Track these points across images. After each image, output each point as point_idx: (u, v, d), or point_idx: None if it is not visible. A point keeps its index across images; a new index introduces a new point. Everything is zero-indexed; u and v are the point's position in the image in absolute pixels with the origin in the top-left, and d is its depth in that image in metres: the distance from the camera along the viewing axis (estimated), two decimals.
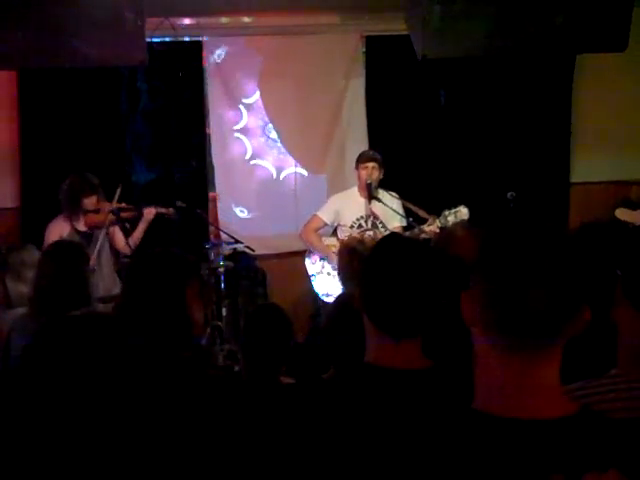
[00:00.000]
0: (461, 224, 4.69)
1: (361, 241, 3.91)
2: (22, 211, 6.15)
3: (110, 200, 5.03)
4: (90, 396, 1.33)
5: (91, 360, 1.35)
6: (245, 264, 6.11)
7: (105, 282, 4.92)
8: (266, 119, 6.44)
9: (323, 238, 5.39)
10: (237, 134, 6.44)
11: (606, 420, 1.28)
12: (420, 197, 5.37)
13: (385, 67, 6.44)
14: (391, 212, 5.21)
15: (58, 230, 4.92)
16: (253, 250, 5.91)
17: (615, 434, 1.19)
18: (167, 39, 6.10)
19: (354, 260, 3.71)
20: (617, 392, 1.72)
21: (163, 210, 5.23)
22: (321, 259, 5.32)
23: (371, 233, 5.19)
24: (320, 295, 5.30)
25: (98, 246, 4.89)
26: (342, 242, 4.75)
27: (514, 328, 1.18)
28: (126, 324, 1.44)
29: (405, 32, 4.89)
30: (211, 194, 6.47)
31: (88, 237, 4.95)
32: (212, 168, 6.43)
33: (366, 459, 1.31)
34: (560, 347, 1.21)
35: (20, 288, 3.66)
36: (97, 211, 4.95)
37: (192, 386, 2.01)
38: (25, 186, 6.14)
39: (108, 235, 5.07)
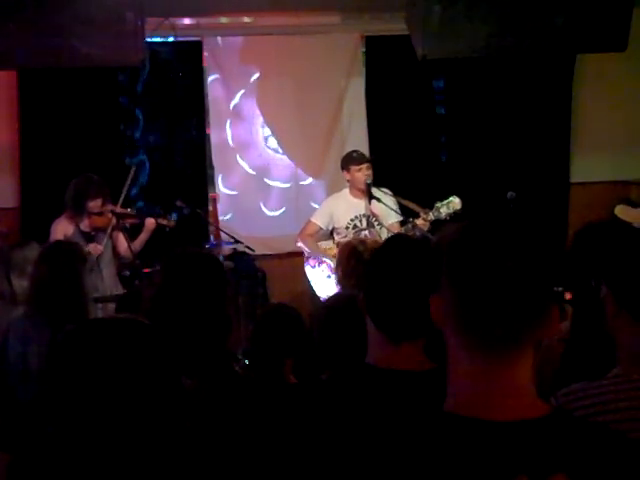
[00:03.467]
0: (457, 225, 4.67)
1: (363, 241, 3.91)
2: (22, 211, 6.15)
3: (116, 201, 5.06)
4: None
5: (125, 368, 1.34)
6: (245, 264, 6.10)
7: (105, 283, 4.93)
8: (267, 119, 6.43)
9: (320, 243, 5.38)
10: (237, 134, 6.44)
11: (577, 421, 1.28)
12: (420, 197, 5.36)
13: (385, 67, 6.44)
14: (387, 209, 5.20)
15: (63, 229, 4.93)
16: (253, 250, 5.91)
17: (585, 436, 1.18)
18: (167, 39, 6.10)
19: (352, 259, 3.71)
20: (618, 393, 1.72)
21: (164, 222, 5.24)
22: (320, 264, 5.31)
23: (367, 232, 5.18)
24: (322, 299, 5.28)
25: (103, 247, 4.92)
26: (342, 243, 4.74)
27: (482, 330, 1.17)
28: (165, 331, 1.41)
29: (405, 32, 4.89)
30: (211, 194, 6.47)
31: (91, 238, 4.97)
32: (212, 168, 6.44)
33: (365, 460, 1.32)
34: (530, 348, 1.19)
35: (24, 284, 3.70)
36: (101, 214, 4.97)
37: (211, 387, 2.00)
38: (25, 186, 6.13)
39: (111, 238, 5.09)
